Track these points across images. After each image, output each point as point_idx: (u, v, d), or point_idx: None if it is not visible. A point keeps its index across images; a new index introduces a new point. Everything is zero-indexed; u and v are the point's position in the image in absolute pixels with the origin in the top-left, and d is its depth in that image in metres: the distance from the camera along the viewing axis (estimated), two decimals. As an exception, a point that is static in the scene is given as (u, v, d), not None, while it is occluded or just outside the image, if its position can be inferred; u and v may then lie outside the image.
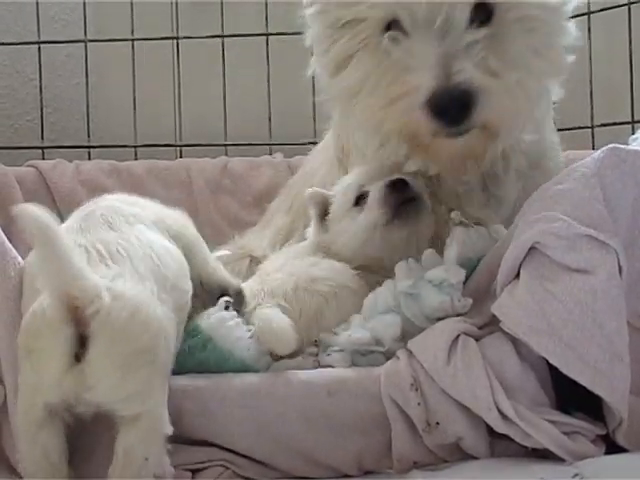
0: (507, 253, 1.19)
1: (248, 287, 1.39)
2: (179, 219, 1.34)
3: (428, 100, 1.24)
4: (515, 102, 1.30)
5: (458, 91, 1.24)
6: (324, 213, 1.48)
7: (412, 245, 1.39)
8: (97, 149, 2.45)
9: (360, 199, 1.43)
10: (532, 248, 1.16)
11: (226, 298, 1.31)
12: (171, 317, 1.12)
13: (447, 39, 1.26)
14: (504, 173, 1.50)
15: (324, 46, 1.40)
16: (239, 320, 1.26)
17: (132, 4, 2.45)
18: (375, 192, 1.41)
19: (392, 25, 1.31)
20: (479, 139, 1.32)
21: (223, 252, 1.58)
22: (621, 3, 2.33)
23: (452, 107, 1.25)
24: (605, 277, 1.11)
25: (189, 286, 1.24)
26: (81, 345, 1.02)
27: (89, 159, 2.41)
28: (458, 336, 1.18)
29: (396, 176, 1.41)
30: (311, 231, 1.51)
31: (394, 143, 1.40)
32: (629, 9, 2.32)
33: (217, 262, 1.41)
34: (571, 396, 1.15)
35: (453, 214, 1.38)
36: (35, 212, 0.97)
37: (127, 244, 1.16)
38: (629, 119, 2.29)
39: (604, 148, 1.19)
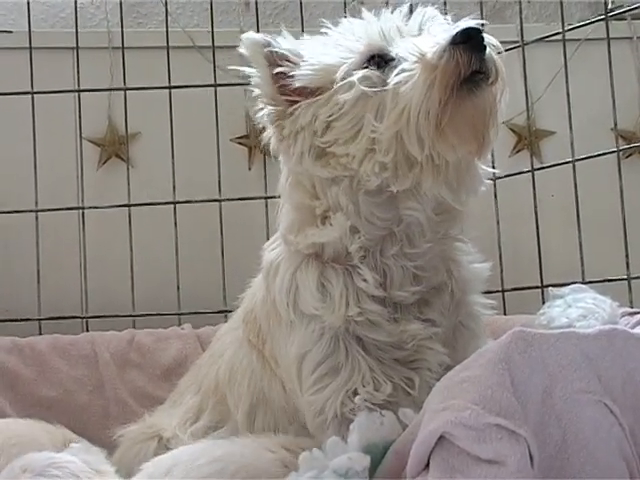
0: (415, 443, 1.14)
1: None
2: None
3: (453, 37, 1.37)
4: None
5: (474, 25, 1.39)
6: None
7: None
8: (-1, 324, 2.37)
9: None
10: (441, 437, 1.12)
11: None
12: None
13: None
14: (443, 292, 1.52)
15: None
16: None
17: (36, 174, 2.42)
18: None
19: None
20: (492, 95, 1.42)
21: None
22: (524, 170, 2.39)
23: (475, 32, 1.37)
24: (516, 468, 1.07)
25: None
26: None
27: (-10, 334, 2.32)
28: (368, 533, 1.13)
29: None
30: None
31: (413, 139, 1.40)
32: (533, 175, 2.37)
33: None
34: None
35: (357, 399, 1.36)
36: None
37: None
38: (538, 283, 2.31)
39: (510, 332, 1.16)
